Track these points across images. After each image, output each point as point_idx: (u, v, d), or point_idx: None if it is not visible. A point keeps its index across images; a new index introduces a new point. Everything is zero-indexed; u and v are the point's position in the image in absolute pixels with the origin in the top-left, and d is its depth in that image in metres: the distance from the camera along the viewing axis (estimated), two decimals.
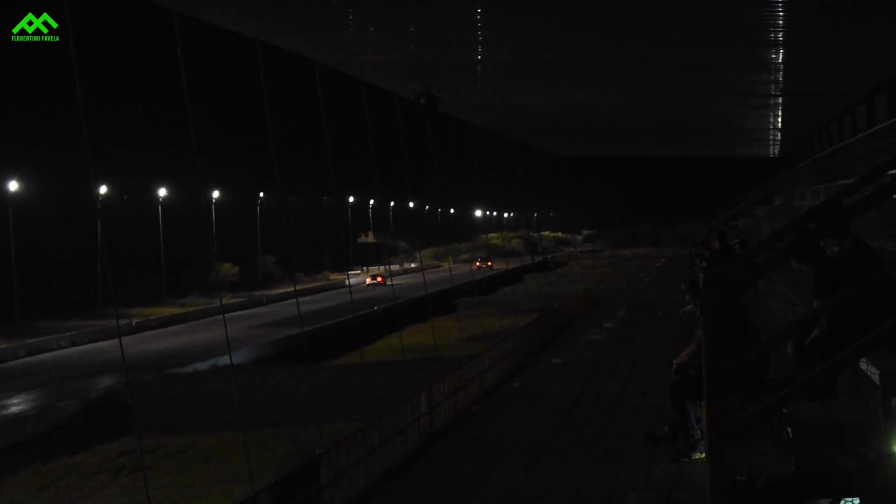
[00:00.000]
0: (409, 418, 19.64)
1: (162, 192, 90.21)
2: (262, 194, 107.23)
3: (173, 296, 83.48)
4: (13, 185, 74.23)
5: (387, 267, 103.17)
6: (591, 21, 25.17)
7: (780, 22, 24.17)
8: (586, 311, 44.86)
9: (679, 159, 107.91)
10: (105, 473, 25.68)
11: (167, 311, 74.18)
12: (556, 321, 38.14)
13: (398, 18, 25.05)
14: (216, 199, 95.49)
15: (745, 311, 11.61)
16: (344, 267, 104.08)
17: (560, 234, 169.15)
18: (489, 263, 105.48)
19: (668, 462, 12.85)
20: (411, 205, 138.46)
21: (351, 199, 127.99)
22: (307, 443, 24.07)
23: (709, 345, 6.48)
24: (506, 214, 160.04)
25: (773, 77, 33.58)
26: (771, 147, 64.40)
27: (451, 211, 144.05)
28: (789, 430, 7.43)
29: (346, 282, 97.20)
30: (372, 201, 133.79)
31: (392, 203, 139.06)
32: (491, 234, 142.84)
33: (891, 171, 9.50)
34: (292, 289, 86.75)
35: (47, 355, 53.25)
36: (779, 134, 54.81)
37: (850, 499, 6.54)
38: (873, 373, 7.64)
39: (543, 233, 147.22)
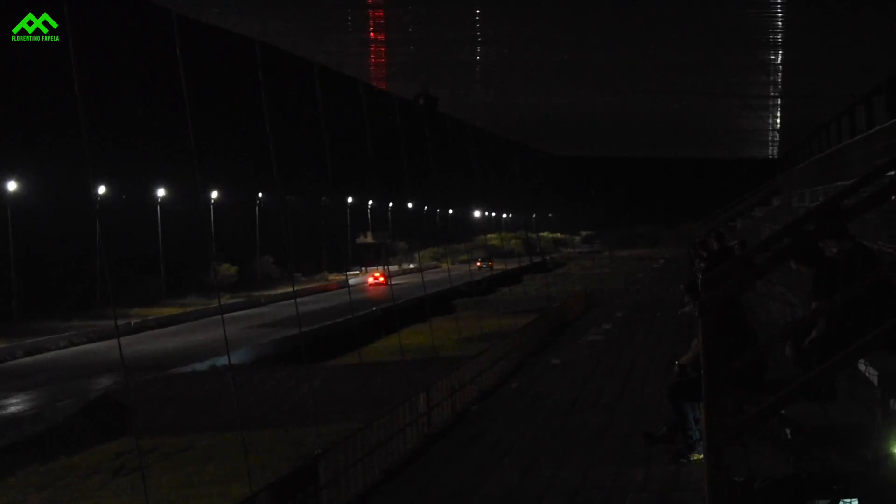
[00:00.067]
0: (407, 419, 19.64)
1: (161, 192, 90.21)
2: (260, 195, 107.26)
3: (172, 296, 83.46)
4: (12, 185, 74.22)
5: (385, 267, 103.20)
6: (589, 22, 25.16)
7: (779, 23, 24.15)
8: (585, 311, 44.87)
9: (678, 160, 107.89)
10: (103, 473, 25.69)
11: (166, 311, 74.16)
12: (554, 322, 38.15)
13: (397, 19, 25.05)
14: (215, 200, 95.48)
15: (743, 312, 11.60)
16: (343, 267, 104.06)
17: (559, 234, 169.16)
18: (489, 263, 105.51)
19: (667, 463, 12.85)
20: (410, 205, 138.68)
21: (350, 199, 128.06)
22: (306, 443, 24.10)
23: (707, 346, 6.48)
24: (504, 215, 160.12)
25: (771, 78, 33.57)
26: (770, 148, 64.39)
27: (450, 211, 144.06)
28: (788, 431, 7.44)
29: (348, 281, 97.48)
30: (371, 202, 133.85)
31: (391, 203, 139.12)
32: (490, 235, 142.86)
33: (889, 173, 9.51)
34: (307, 287, 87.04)
35: (46, 355, 53.25)
36: (777, 135, 54.82)
37: (848, 500, 6.54)
38: (872, 374, 7.65)
39: (542, 233, 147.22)
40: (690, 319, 13.94)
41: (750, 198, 64.28)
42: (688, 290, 13.70)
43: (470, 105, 41.72)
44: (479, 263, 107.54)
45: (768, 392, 8.42)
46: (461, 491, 14.46)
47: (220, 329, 22.31)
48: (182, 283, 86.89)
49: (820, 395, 8.25)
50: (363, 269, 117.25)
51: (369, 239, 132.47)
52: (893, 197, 13.33)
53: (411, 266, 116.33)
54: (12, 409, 36.40)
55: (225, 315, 23.10)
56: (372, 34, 26.64)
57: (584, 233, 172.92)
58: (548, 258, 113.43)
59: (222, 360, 35.07)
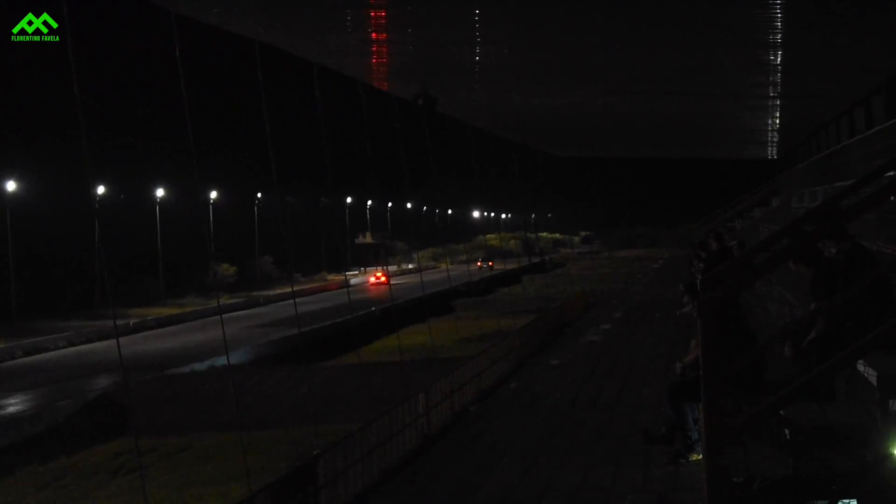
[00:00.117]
0: (406, 419, 19.64)
1: (160, 192, 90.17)
2: (259, 195, 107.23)
3: (171, 296, 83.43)
4: (11, 185, 74.20)
5: (384, 268, 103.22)
6: (588, 22, 25.17)
7: (779, 24, 24.17)
8: (584, 312, 44.87)
9: (677, 161, 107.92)
10: (102, 474, 25.69)
11: (165, 311, 74.14)
12: (553, 322, 38.15)
13: (396, 19, 25.06)
14: (214, 200, 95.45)
15: (742, 313, 11.61)
16: (342, 268, 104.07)
17: (558, 235, 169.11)
18: (490, 263, 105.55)
19: (666, 463, 12.86)
20: (409, 206, 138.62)
21: (349, 199, 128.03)
22: (305, 443, 24.09)
23: (706, 346, 6.49)
24: (503, 215, 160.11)
25: (771, 78, 33.59)
26: (769, 149, 64.44)
27: (449, 212, 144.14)
28: (787, 431, 7.44)
29: (349, 281, 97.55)
30: (370, 202, 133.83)
31: (390, 204, 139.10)
32: (489, 235, 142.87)
33: (888, 173, 9.52)
34: (306, 287, 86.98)
35: (45, 355, 53.22)
36: (776, 135, 54.86)
37: (847, 500, 6.55)
38: (871, 375, 7.65)
39: (541, 234, 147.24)
40: (689, 320, 13.95)
41: (749, 198, 64.36)
42: (687, 291, 13.71)
43: (469, 105, 41.73)
44: (479, 263, 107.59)
45: (767, 392, 8.43)
46: (460, 491, 14.46)
47: (219, 329, 22.32)
48: (181, 283, 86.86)
49: (819, 396, 8.26)
50: (362, 269, 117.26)
51: (368, 239, 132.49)
52: (892, 197, 13.34)
53: (410, 266, 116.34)
54: (11, 409, 36.37)
55: (224, 315, 23.10)
56: (371, 34, 26.65)
57: (583, 233, 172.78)
58: (547, 258, 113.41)
59: (221, 361, 35.04)
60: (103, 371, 42.11)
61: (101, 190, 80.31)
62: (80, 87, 16.55)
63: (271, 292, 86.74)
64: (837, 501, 6.55)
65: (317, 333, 48.88)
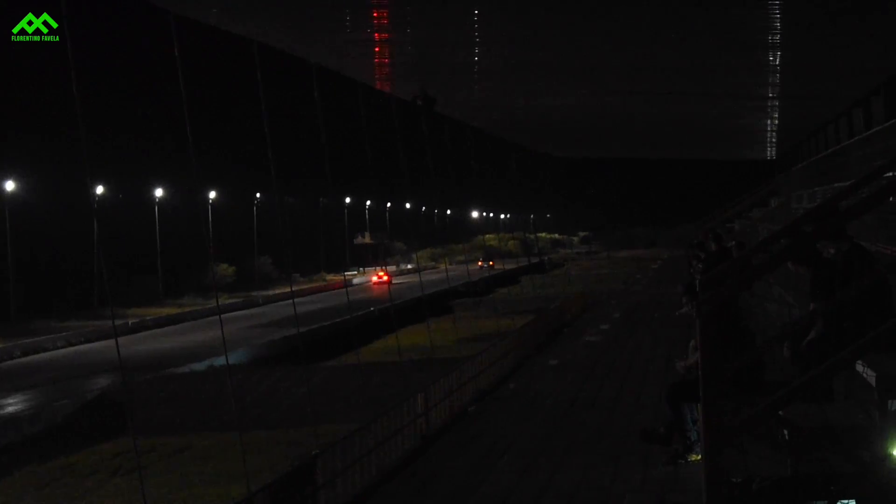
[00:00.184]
0: (405, 419, 19.65)
1: (158, 192, 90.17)
2: (258, 195, 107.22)
3: (170, 296, 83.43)
4: (10, 185, 74.19)
5: (383, 268, 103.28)
6: (587, 23, 25.18)
7: (778, 24, 24.18)
8: (583, 312, 44.87)
9: (676, 161, 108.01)
10: (101, 474, 25.69)
11: (163, 311, 74.12)
12: (552, 322, 38.16)
13: (395, 19, 25.07)
14: (213, 200, 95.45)
15: (741, 314, 11.61)
16: (340, 268, 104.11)
17: (556, 235, 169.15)
18: (490, 263, 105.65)
19: (665, 464, 12.85)
20: (408, 206, 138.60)
21: (347, 199, 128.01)
22: (303, 444, 24.09)
23: (705, 347, 6.49)
24: (502, 216, 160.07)
25: (770, 79, 33.62)
26: (768, 149, 64.47)
27: (448, 212, 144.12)
28: (786, 432, 7.44)
29: (353, 281, 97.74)
30: (368, 202, 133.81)
31: (389, 204, 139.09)
32: (488, 236, 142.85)
33: (887, 174, 9.52)
34: (305, 287, 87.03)
35: (43, 355, 53.20)
36: (775, 136, 54.88)
37: (846, 501, 6.55)
38: (869, 375, 7.65)
39: (540, 234, 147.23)
40: (688, 320, 13.94)
41: (748, 199, 64.33)
42: (686, 291, 13.71)
43: (468, 105, 41.75)
44: (480, 263, 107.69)
45: (766, 393, 8.43)
46: (459, 491, 14.46)
47: (217, 329, 22.30)
48: (180, 283, 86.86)
49: (818, 397, 8.26)
50: (361, 269, 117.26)
51: (367, 239, 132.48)
52: (891, 198, 13.34)
53: (409, 266, 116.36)
54: (10, 409, 36.35)
55: (223, 315, 23.08)
56: (370, 35, 26.66)
57: (582, 233, 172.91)
58: (546, 259, 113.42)
59: (220, 361, 35.02)
60: (102, 371, 42.08)
61: (100, 190, 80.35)
62: (80, 87, 16.55)
63: (270, 292, 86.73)
64: (836, 502, 6.56)
65: (316, 334, 48.88)
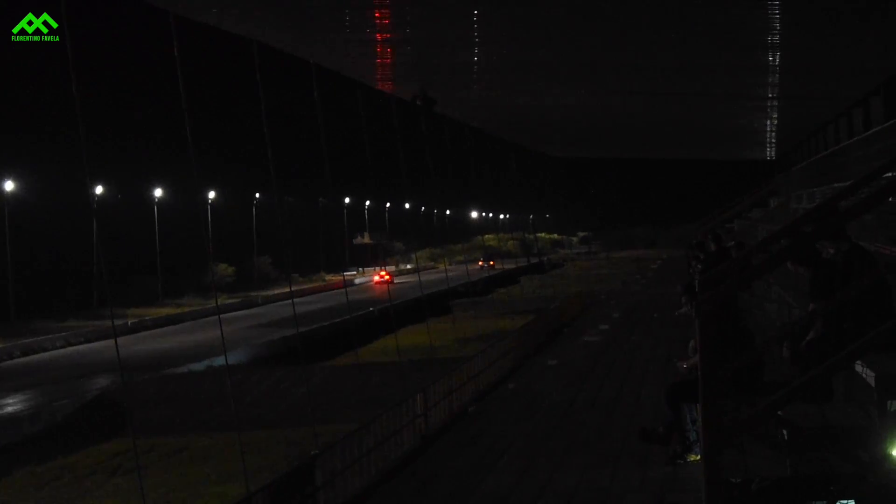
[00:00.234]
0: (404, 419, 19.64)
1: (158, 192, 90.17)
2: (258, 195, 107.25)
3: (169, 296, 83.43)
4: (10, 185, 74.19)
5: (383, 267, 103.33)
6: (587, 23, 25.18)
7: (777, 25, 24.19)
8: (582, 312, 44.86)
9: (675, 161, 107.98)
10: (100, 474, 25.69)
11: (163, 311, 74.13)
12: (551, 323, 38.14)
13: (395, 19, 25.06)
14: (212, 200, 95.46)
15: (740, 314, 11.61)
16: (340, 268, 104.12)
17: (556, 235, 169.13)
18: (491, 263, 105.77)
19: (664, 464, 12.85)
20: (407, 206, 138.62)
21: (347, 200, 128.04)
22: (302, 444, 24.09)
23: (704, 347, 6.49)
24: (502, 216, 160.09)
25: (769, 79, 33.62)
26: (767, 149, 64.48)
27: (448, 212, 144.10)
28: (785, 432, 7.44)
29: (354, 281, 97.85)
30: (368, 202, 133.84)
31: (388, 204, 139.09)
32: (487, 236, 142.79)
33: (887, 174, 9.52)
34: (305, 287, 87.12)
35: (43, 355, 53.21)
36: (775, 136, 54.89)
37: (845, 501, 6.55)
38: (869, 375, 7.65)
39: (539, 234, 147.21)
40: (688, 320, 13.94)
41: (747, 199, 64.36)
42: (685, 292, 13.71)
43: (467, 105, 41.75)
44: (481, 263, 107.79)
45: (765, 393, 8.43)
46: (458, 492, 14.45)
47: (217, 329, 22.30)
48: (179, 283, 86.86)
49: (817, 397, 8.25)
50: (360, 269, 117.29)
51: (366, 239, 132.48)
52: (890, 198, 13.34)
53: (408, 266, 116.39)
54: (9, 409, 36.35)
55: (222, 315, 23.10)
56: (370, 35, 26.65)
57: (581, 234, 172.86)
58: (545, 259, 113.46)
59: (219, 361, 35.03)
60: (101, 371, 42.08)
61: (99, 190, 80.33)
62: (80, 88, 16.54)
63: (269, 292, 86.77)
64: (836, 502, 6.56)
65: (315, 334, 48.89)
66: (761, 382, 9.87)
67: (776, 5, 22.20)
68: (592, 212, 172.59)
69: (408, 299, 54.86)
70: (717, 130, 53.42)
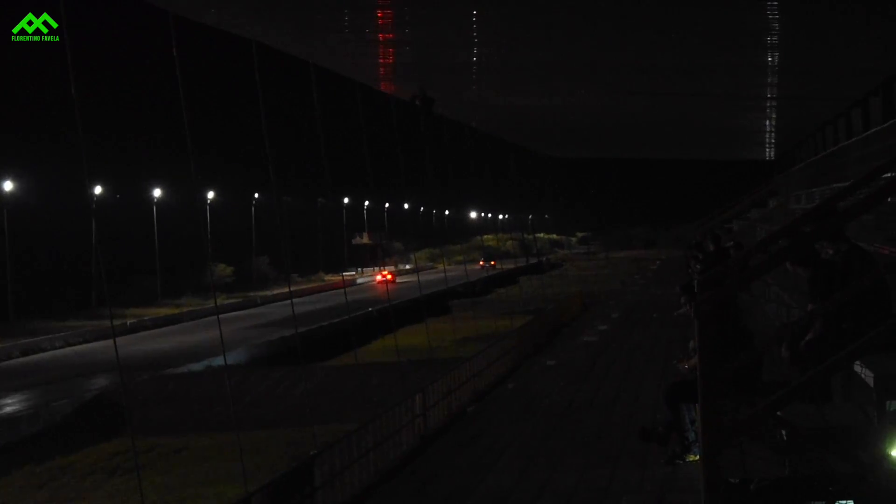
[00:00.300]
0: (403, 420, 19.66)
1: (157, 192, 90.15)
2: (256, 195, 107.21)
3: (168, 296, 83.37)
4: (9, 185, 74.17)
5: (381, 268, 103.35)
6: (586, 24, 25.19)
7: (776, 25, 24.20)
8: (581, 312, 44.88)
9: (674, 162, 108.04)
10: (99, 474, 25.70)
11: (162, 311, 74.09)
12: (550, 323, 38.16)
13: (394, 20, 25.07)
14: (211, 200, 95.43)
15: (739, 314, 11.61)
16: (339, 268, 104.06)
17: (555, 235, 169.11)
18: (492, 263, 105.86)
19: (663, 464, 12.85)
20: (406, 206, 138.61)
21: (346, 200, 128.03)
22: (301, 444, 24.09)
23: (703, 347, 6.49)
24: (501, 216, 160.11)
25: (769, 80, 33.63)
26: (767, 150, 64.49)
27: (447, 212, 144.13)
28: (784, 432, 7.43)
29: (356, 280, 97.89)
30: (367, 202, 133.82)
31: (387, 204, 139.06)
32: (486, 236, 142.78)
33: (886, 175, 9.51)
34: (304, 287, 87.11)
35: (42, 355, 53.19)
36: (774, 137, 54.90)
37: (844, 502, 6.55)
38: (868, 376, 7.65)
39: (538, 234, 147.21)
40: (687, 321, 13.94)
41: (746, 199, 64.34)
42: (684, 292, 13.71)
43: (467, 106, 41.76)
44: (482, 263, 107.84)
45: (764, 393, 8.42)
46: (457, 492, 14.45)
47: (216, 329, 22.31)
48: (178, 283, 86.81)
49: (816, 397, 8.25)
50: (359, 269, 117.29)
51: (366, 240, 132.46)
52: (889, 199, 13.35)
53: (407, 267, 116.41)
54: (8, 409, 36.34)
55: (221, 315, 23.14)
56: (369, 35, 26.66)
57: (580, 234, 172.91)
58: (544, 259, 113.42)
59: (218, 361, 35.05)
60: (100, 371, 42.07)
61: (98, 190, 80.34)
62: (79, 88, 16.55)
63: (268, 292, 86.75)
64: (835, 502, 6.55)
65: (314, 334, 48.89)
66: (760, 383, 9.87)
67: (775, 5, 22.21)
68: (592, 212, 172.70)
69: (406, 299, 54.86)
70: (716, 130, 53.44)
